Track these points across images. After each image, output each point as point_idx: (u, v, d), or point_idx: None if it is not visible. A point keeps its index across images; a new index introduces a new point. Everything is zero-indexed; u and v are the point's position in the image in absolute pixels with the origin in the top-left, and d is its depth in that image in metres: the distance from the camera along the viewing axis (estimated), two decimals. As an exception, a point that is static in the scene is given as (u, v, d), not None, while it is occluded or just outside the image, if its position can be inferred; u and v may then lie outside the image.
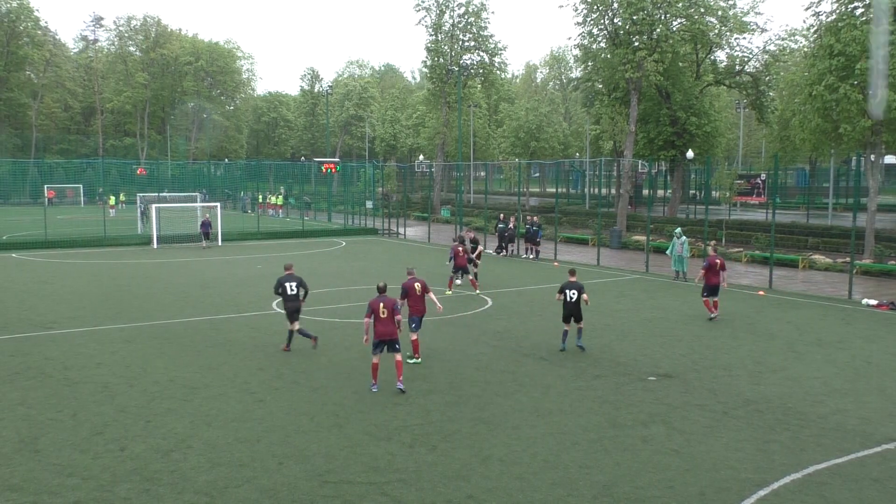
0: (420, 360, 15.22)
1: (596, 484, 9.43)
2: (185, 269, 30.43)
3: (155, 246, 38.09)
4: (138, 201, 47.08)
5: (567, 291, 16.02)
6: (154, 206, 39.41)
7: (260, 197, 66.09)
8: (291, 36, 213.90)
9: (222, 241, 40.09)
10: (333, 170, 55.17)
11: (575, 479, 9.59)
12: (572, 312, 16.05)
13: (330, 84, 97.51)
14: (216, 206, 42.05)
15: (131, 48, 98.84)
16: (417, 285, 15.06)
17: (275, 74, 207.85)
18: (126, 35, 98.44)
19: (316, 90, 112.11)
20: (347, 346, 16.63)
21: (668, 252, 28.57)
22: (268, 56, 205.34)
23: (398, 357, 13.21)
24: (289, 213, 64.27)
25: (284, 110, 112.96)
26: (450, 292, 23.59)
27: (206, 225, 38.68)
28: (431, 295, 15.26)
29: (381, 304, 12.99)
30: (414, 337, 15.17)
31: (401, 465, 10.03)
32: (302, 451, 10.50)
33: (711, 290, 19.79)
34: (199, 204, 46.63)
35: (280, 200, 66.01)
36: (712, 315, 19.72)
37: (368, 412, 12.15)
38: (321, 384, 13.76)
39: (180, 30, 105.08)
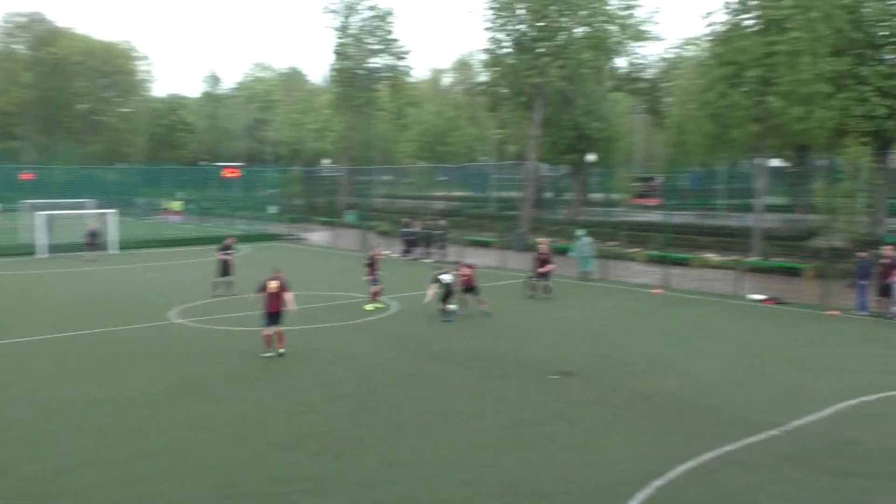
0: (283, 350, 16.02)
1: (502, 483, 9.56)
2: (75, 279, 29.01)
3: (42, 256, 36.08)
4: (25, 208, 44.47)
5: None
6: (40, 213, 37.22)
7: (173, 203, 63.81)
8: (192, 37, 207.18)
9: (119, 249, 38.40)
10: (236, 174, 53.93)
11: (481, 478, 9.69)
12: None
13: (232, 86, 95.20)
14: (111, 213, 40.25)
15: (16, 46, 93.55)
16: (274, 283, 15.92)
17: (174, 76, 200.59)
18: (11, 32, 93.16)
19: (218, 93, 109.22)
20: (250, 355, 16.25)
21: (572, 254, 29.35)
22: (167, 57, 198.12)
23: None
24: (189, 220, 62.30)
25: (184, 113, 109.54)
26: (370, 308, 21.59)
27: (93, 234, 35.63)
28: (288, 295, 16.13)
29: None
30: (267, 332, 15.94)
31: (306, 474, 9.88)
32: (202, 464, 10.19)
33: (541, 276, 23.60)
34: (92, 211, 44.57)
35: (179, 206, 63.89)
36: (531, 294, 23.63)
37: (272, 422, 11.91)
38: (222, 394, 13.40)
39: (72, 28, 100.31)
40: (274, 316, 15.92)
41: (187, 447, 10.81)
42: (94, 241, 35.41)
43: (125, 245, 39.32)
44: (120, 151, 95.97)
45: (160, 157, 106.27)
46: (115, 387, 13.90)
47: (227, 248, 24.87)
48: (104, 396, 13.28)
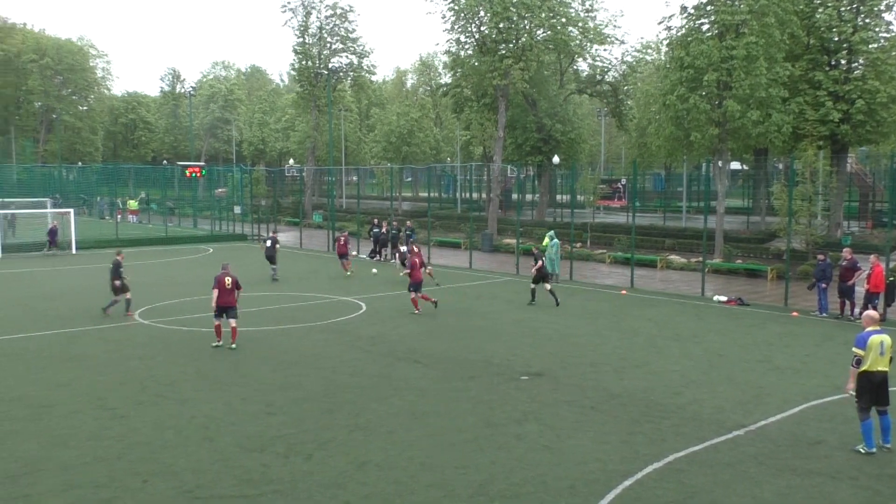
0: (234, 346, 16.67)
1: (472, 483, 9.54)
2: (32, 279, 28.34)
3: (-2, 255, 35.19)
4: None
5: None
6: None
7: (131, 202, 62.56)
8: (151, 34, 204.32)
9: (77, 248, 37.61)
10: (199, 174, 53.21)
11: (451, 479, 9.66)
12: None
13: (193, 85, 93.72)
14: (69, 213, 39.40)
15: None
16: (228, 279, 16.62)
17: (133, 74, 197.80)
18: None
19: (178, 91, 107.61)
20: (217, 357, 16.02)
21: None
22: (126, 54, 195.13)
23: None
24: (150, 219, 61.28)
25: (144, 111, 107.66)
26: (349, 273, 28.47)
27: (54, 232, 36.77)
28: (237, 293, 16.89)
29: None
30: (217, 322, 16.85)
31: (275, 476, 9.75)
32: (169, 467, 10.00)
33: (416, 286, 21.29)
34: (49, 210, 43.52)
35: (135, 205, 62.69)
36: (416, 311, 21.07)
37: (240, 423, 11.74)
38: (189, 396, 13.17)
39: (25, 24, 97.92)
40: (225, 309, 16.64)
41: (153, 450, 10.60)
42: (54, 239, 36.58)
43: (84, 245, 38.53)
44: (78, 150, 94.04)
45: (120, 156, 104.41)
46: (76, 389, 13.59)
47: (275, 241, 28.35)
48: (63, 399, 12.96)
